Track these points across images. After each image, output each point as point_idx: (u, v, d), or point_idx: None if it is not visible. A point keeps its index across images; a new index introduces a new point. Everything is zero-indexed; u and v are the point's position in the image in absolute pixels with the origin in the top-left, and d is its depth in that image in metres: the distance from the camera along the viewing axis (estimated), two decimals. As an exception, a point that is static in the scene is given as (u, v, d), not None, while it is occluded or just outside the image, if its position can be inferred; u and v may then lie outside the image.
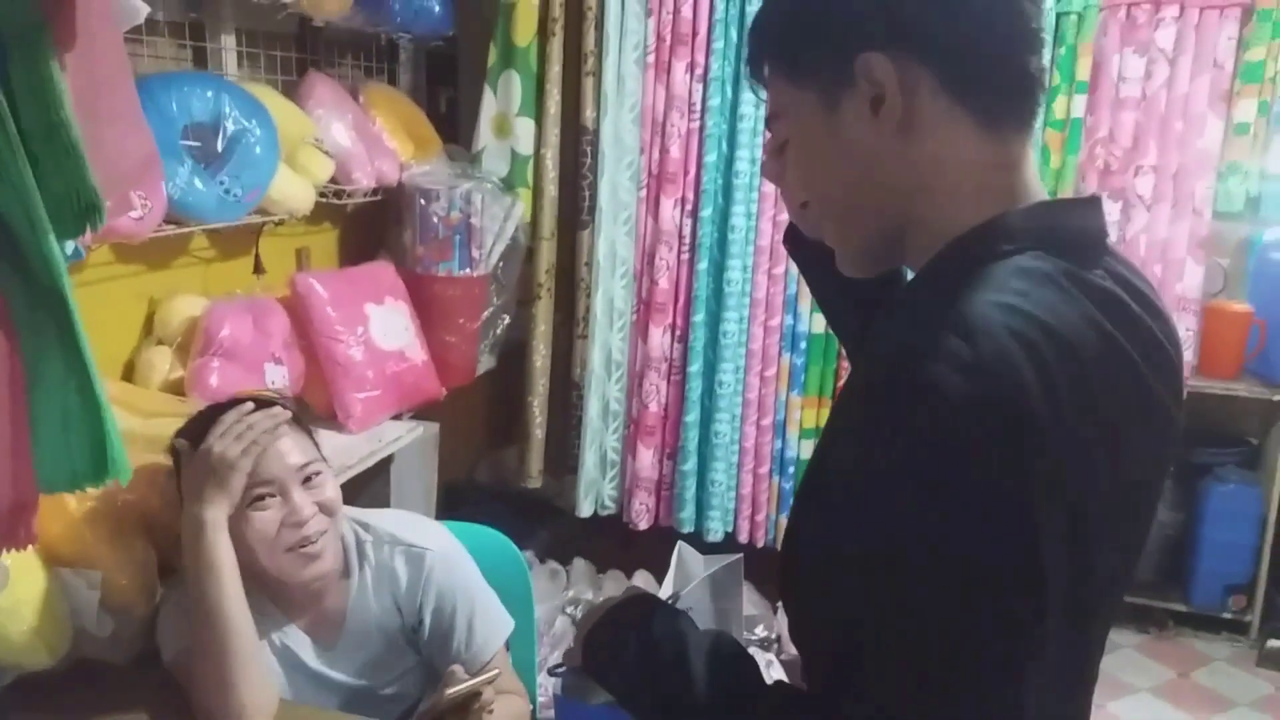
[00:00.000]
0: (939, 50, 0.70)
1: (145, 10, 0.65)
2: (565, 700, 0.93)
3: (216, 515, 1.26)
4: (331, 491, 1.38)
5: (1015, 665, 0.65)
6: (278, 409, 1.32)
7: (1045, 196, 0.75)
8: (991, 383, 0.62)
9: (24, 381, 0.56)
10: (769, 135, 0.83)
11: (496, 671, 1.23)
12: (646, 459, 2.76)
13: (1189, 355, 2.62)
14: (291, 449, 1.34)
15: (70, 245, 0.56)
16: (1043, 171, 2.51)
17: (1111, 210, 2.52)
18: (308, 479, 1.35)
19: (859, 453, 0.66)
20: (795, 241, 1.02)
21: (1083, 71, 2.42)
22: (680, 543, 1.12)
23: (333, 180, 2.14)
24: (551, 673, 0.97)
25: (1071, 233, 0.72)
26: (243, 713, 1.25)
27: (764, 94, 0.81)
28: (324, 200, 2.14)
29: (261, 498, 1.31)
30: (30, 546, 1.26)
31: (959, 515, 0.62)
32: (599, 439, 2.78)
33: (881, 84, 0.70)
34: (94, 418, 0.59)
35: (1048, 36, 0.73)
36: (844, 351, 1.14)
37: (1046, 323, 0.65)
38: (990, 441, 0.61)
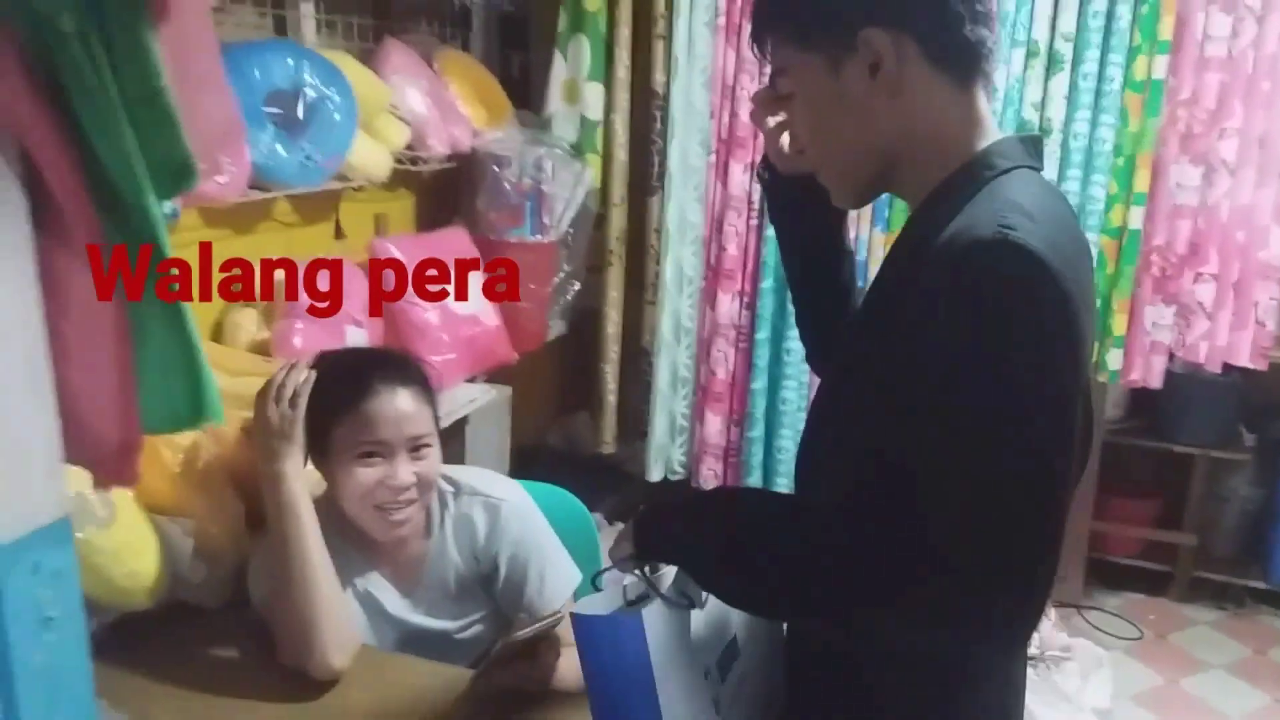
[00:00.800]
0: (922, 27, 0.87)
1: (236, -21, 0.69)
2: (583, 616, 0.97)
3: (292, 465, 1.33)
4: (433, 468, 1.43)
5: (1062, 506, 0.79)
6: (305, 367, 1.38)
7: (997, 131, 0.93)
8: (1057, 252, 0.77)
9: (129, 331, 0.61)
10: (767, 87, 1.00)
11: (560, 615, 1.27)
12: (715, 425, 2.78)
13: (1271, 324, 2.54)
14: (413, 417, 1.40)
15: (167, 205, 0.60)
16: (1120, 134, 2.44)
17: (1193, 175, 2.44)
18: (416, 449, 1.40)
19: (963, 318, 0.77)
20: (771, 179, 1.16)
21: (1165, 31, 2.34)
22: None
23: (408, 147, 2.18)
24: (594, 582, 1.01)
25: (1036, 157, 0.91)
26: (325, 649, 1.31)
27: (763, 55, 0.97)
28: (400, 166, 2.18)
29: (369, 454, 1.37)
30: (131, 494, 1.36)
31: (1062, 354, 0.77)
32: (668, 405, 2.81)
33: (880, 54, 0.87)
34: (191, 365, 0.63)
35: (995, 10, 0.93)
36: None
37: (1059, 218, 0.83)
38: (1069, 296, 0.76)
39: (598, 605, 0.96)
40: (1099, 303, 2.56)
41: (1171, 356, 2.69)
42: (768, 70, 0.98)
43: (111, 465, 0.66)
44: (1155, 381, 2.63)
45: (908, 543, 0.78)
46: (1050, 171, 2.49)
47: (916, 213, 0.93)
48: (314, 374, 1.38)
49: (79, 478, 0.74)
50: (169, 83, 0.56)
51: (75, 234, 0.58)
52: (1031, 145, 0.93)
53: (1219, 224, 2.46)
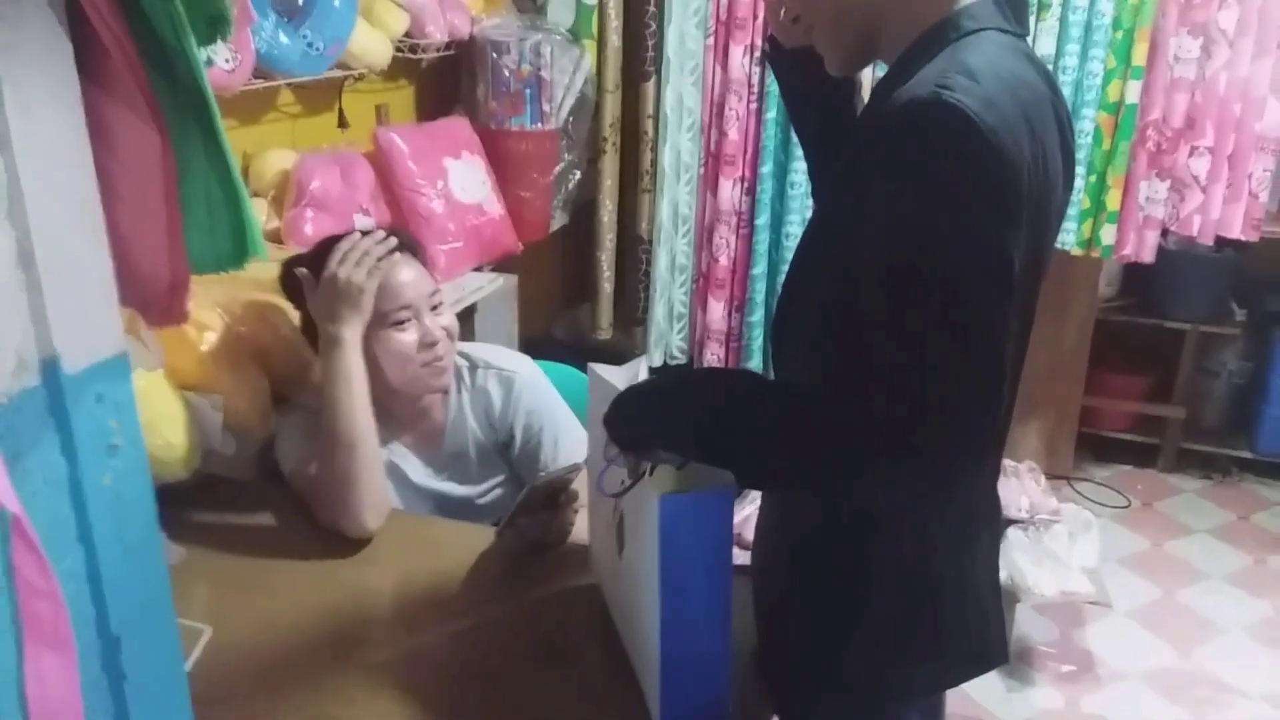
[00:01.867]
0: None
1: None
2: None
3: (352, 333, 1.38)
4: (452, 318, 1.53)
5: (1007, 360, 0.79)
6: (384, 234, 1.43)
7: None
8: (995, 111, 0.78)
9: (176, 174, 0.65)
10: None
11: (579, 465, 1.34)
12: (717, 312, 2.83)
13: (1264, 197, 2.57)
14: (422, 278, 1.49)
15: (204, 53, 0.64)
16: (1119, 6, 2.42)
17: (1191, 47, 2.44)
18: (434, 306, 1.49)
19: (894, 177, 0.79)
20: (775, 54, 1.17)
21: None
22: (590, 365, 1.18)
23: (407, 34, 2.18)
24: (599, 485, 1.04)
25: (1013, 20, 0.91)
26: (362, 509, 1.38)
27: None
28: (400, 54, 2.18)
29: (401, 321, 1.45)
30: (162, 370, 1.42)
31: (993, 210, 0.78)
32: (667, 292, 2.86)
33: None
34: (234, 205, 0.68)
35: None
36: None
37: (1015, 78, 0.83)
38: (1003, 154, 0.77)
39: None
40: (1094, 179, 2.59)
41: (1166, 233, 2.73)
42: None
43: (162, 305, 0.71)
44: (1148, 256, 2.67)
45: (861, 416, 0.79)
46: (1048, 46, 2.49)
47: (885, 74, 0.94)
48: (394, 241, 1.42)
49: (130, 320, 0.80)
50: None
51: (121, 79, 0.62)
52: (1007, 6, 0.92)
53: (1216, 96, 2.47)
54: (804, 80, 1.15)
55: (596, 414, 1.07)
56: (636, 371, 1.09)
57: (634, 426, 0.97)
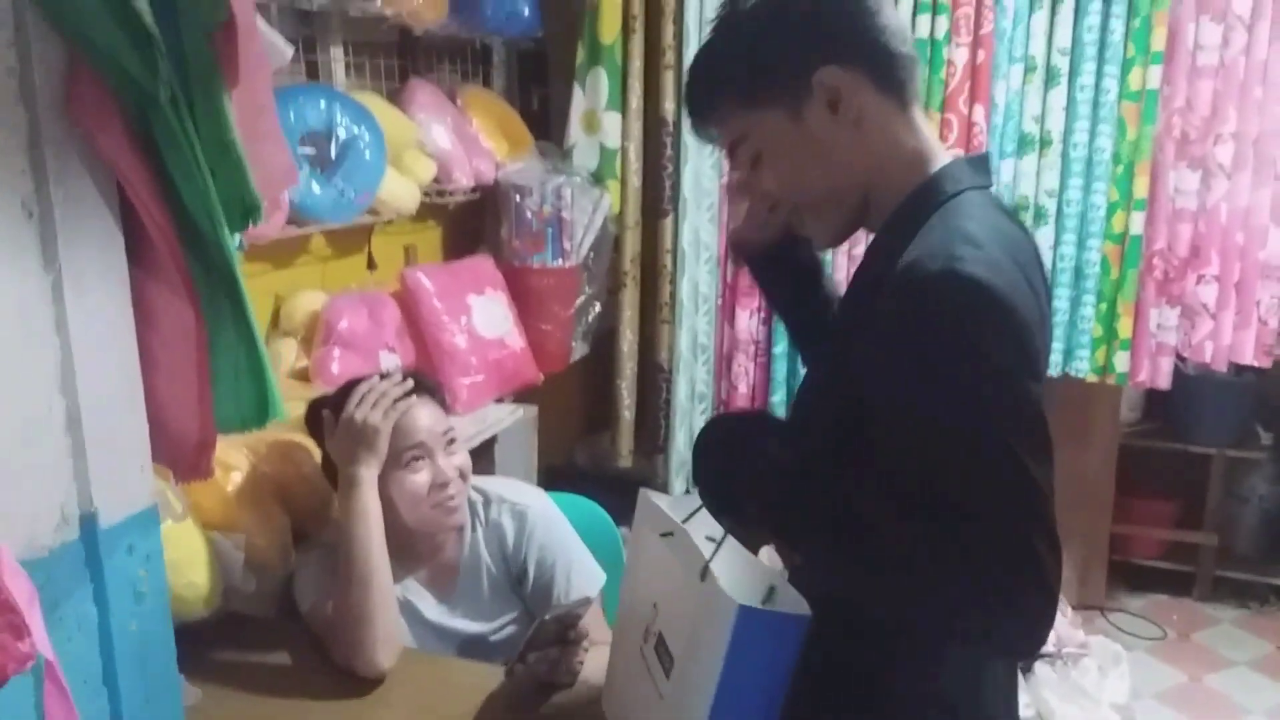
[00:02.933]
0: (864, 56, 0.93)
1: (290, 52, 0.81)
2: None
3: (369, 473, 1.43)
4: (465, 457, 1.57)
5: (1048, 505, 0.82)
6: (402, 376, 1.49)
7: (941, 148, 0.99)
8: (1002, 276, 0.82)
9: (207, 345, 0.72)
10: (734, 171, 1.04)
11: (589, 599, 1.36)
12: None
13: (1274, 323, 2.60)
14: (436, 418, 1.53)
15: (236, 239, 0.71)
16: (1118, 143, 2.52)
17: (1191, 180, 2.51)
18: (449, 444, 1.53)
19: (907, 346, 0.82)
20: (747, 256, 1.21)
21: (1158, 42, 2.43)
22: (642, 490, 1.19)
23: (435, 180, 2.30)
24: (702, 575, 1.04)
25: (984, 175, 0.97)
26: (375, 648, 1.40)
27: (715, 133, 1.02)
28: (428, 200, 2.30)
29: (413, 460, 1.50)
30: (189, 518, 1.46)
31: (1024, 370, 0.82)
32: (688, 419, 2.90)
33: (837, 89, 0.92)
34: (258, 373, 0.74)
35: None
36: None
37: (1005, 236, 0.88)
38: (1019, 315, 0.82)
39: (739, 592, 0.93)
40: (1104, 307, 2.63)
41: (1184, 360, 2.75)
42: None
43: (190, 462, 0.77)
44: (1163, 382, 2.69)
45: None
46: (1051, 181, 2.57)
47: (876, 239, 0.98)
48: (410, 383, 1.48)
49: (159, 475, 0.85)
50: (238, 135, 0.68)
51: (163, 263, 0.69)
52: (979, 164, 0.98)
53: (1218, 226, 2.53)
54: (778, 270, 1.19)
55: (640, 535, 1.09)
56: (691, 505, 1.09)
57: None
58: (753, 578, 0.98)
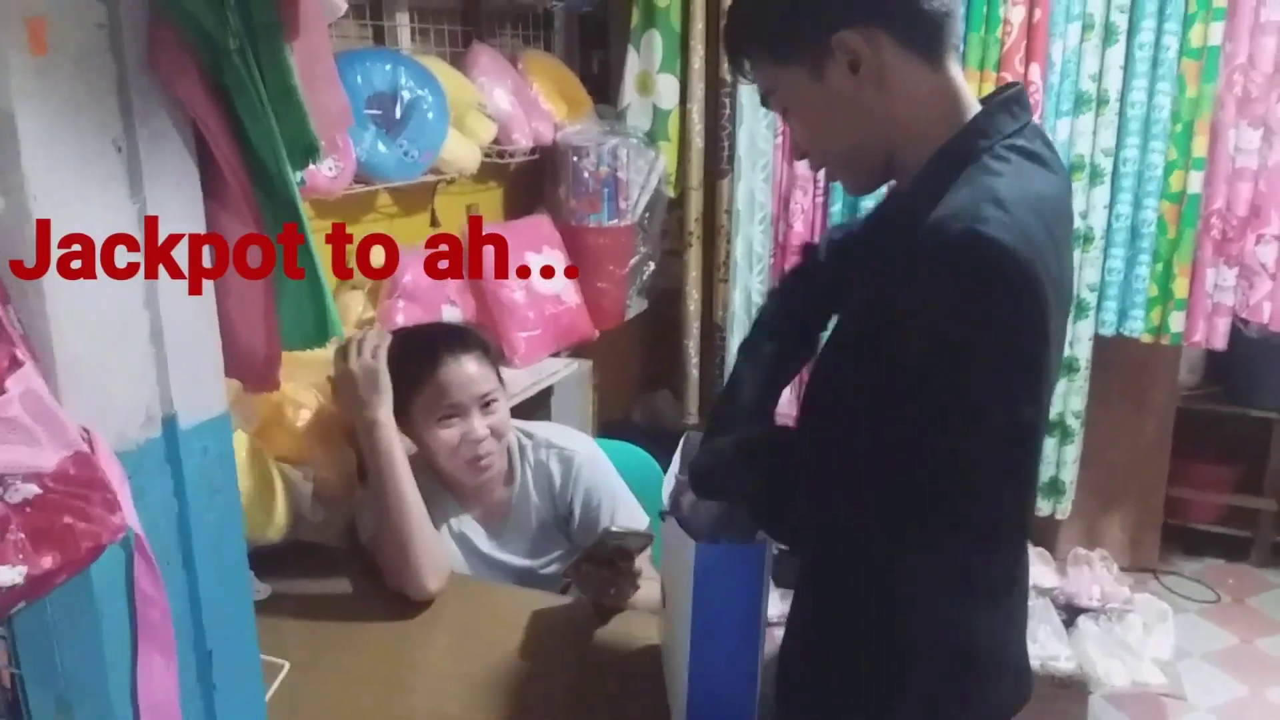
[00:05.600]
0: (886, 16, 0.93)
1: (344, 8, 0.90)
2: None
3: (385, 414, 1.51)
4: (502, 416, 1.63)
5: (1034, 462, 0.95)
6: (375, 330, 1.57)
7: (976, 103, 0.98)
8: (1028, 241, 0.84)
9: (273, 270, 0.81)
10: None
11: (652, 537, 1.43)
12: (786, 394, 2.90)
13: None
14: (479, 378, 1.59)
15: (298, 176, 0.80)
16: (1177, 100, 2.49)
17: (1252, 138, 2.48)
18: (486, 404, 1.60)
19: (928, 300, 0.85)
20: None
21: (1220, -1, 2.40)
22: (687, 432, 1.29)
23: (496, 141, 2.38)
24: (662, 516, 1.16)
25: (1016, 123, 0.95)
26: (420, 574, 1.50)
27: (752, 79, 1.04)
28: (489, 160, 2.38)
29: (447, 417, 1.58)
30: (260, 444, 1.59)
31: (1023, 332, 0.86)
32: (742, 377, 2.95)
33: (855, 52, 0.93)
34: (318, 296, 0.83)
35: None
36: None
37: (1033, 195, 0.89)
38: (1039, 282, 0.85)
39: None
40: (1160, 266, 2.62)
41: (1245, 322, 2.72)
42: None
43: (259, 374, 0.87)
44: (1219, 343, 2.67)
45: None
46: (1108, 140, 2.56)
47: (905, 198, 0.99)
48: (387, 333, 1.56)
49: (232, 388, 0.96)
50: (299, 82, 0.77)
51: (233, 196, 0.79)
52: (1014, 104, 0.96)
53: (1277, 190, 2.49)
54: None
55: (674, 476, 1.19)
56: None
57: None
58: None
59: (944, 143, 0.95)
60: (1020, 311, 0.85)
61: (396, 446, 1.52)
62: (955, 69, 0.98)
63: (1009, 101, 0.97)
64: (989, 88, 2.40)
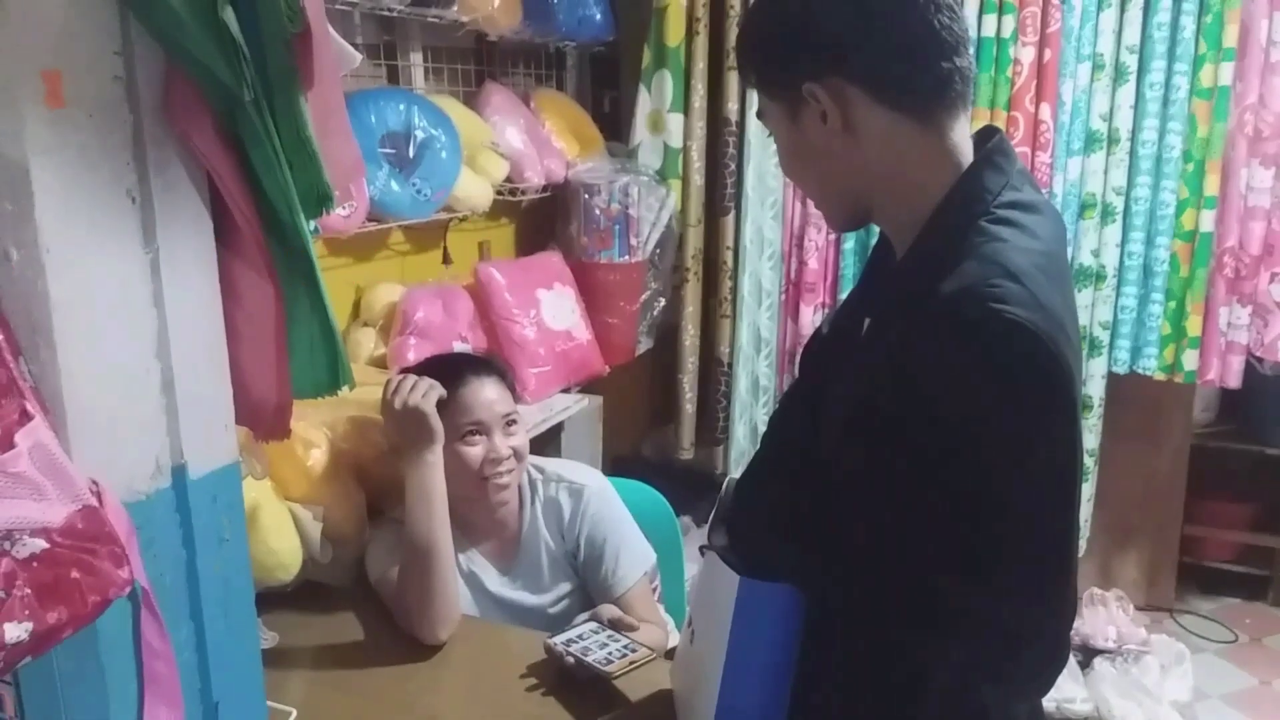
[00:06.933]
0: (862, 74, 0.90)
1: (358, 58, 0.91)
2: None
3: (431, 455, 1.52)
4: (523, 440, 1.65)
5: (1075, 551, 0.88)
6: (415, 377, 1.56)
7: (970, 155, 0.94)
8: (1045, 312, 0.82)
9: (285, 319, 0.81)
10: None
11: (654, 655, 1.42)
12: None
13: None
14: (500, 400, 1.62)
15: (311, 225, 0.81)
16: (1188, 140, 2.50)
17: (1264, 177, 2.47)
18: (508, 425, 1.62)
19: (950, 384, 0.83)
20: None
21: (1229, 38, 2.40)
22: (730, 477, 1.28)
23: (508, 179, 2.40)
24: (701, 551, 1.16)
25: (1004, 176, 0.92)
26: (435, 623, 1.50)
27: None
28: (501, 197, 2.40)
29: (471, 433, 1.59)
30: (271, 485, 1.58)
31: (1057, 421, 0.84)
32: (748, 412, 2.95)
33: (822, 104, 0.92)
34: (330, 344, 0.83)
35: (971, 34, 0.94)
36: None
37: (1037, 253, 0.87)
38: (1059, 360, 0.82)
39: None
40: (1173, 305, 2.61)
41: (1260, 360, 2.71)
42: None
43: (270, 423, 0.87)
44: (1233, 381, 2.65)
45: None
46: (1119, 178, 2.56)
47: (903, 262, 0.96)
48: (434, 382, 1.56)
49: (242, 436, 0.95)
50: (313, 133, 0.77)
51: (247, 245, 0.79)
52: (997, 155, 0.93)
53: (1291, 227, 2.49)
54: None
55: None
56: None
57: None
58: None
59: (938, 201, 0.92)
60: (1053, 387, 0.83)
61: (438, 490, 1.52)
62: (955, 124, 0.94)
63: (991, 154, 0.94)
64: (1000, 125, 2.41)
